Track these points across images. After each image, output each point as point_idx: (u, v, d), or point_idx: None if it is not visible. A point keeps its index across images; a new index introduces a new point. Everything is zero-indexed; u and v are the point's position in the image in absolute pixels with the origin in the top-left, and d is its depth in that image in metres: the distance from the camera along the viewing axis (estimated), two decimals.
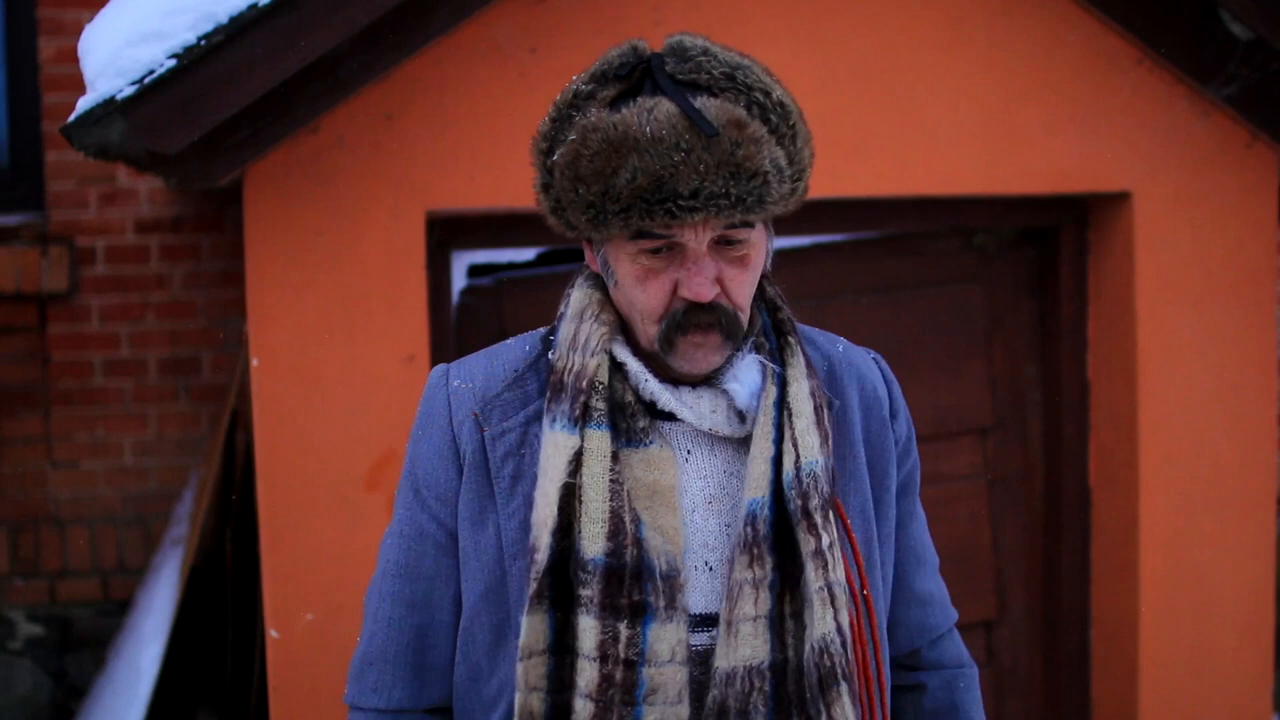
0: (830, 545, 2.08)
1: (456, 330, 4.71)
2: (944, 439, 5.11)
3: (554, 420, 2.08)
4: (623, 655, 2.03)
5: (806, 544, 2.07)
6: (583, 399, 2.07)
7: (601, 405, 2.08)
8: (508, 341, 2.27)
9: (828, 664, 2.06)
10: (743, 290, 2.08)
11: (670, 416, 2.13)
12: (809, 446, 2.10)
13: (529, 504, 2.09)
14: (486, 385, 2.19)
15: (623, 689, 2.03)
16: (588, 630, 2.03)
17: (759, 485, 2.08)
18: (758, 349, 2.16)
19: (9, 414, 5.90)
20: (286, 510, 4.29)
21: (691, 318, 2.05)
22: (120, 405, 5.97)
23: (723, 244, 2.04)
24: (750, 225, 2.03)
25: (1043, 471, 5.26)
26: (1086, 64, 4.76)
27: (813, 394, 2.15)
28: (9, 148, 6.01)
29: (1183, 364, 4.90)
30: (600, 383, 2.09)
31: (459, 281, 4.82)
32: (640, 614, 2.04)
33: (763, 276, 2.19)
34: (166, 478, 5.99)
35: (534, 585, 2.05)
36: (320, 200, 4.26)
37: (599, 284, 2.18)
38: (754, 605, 2.07)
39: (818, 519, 2.08)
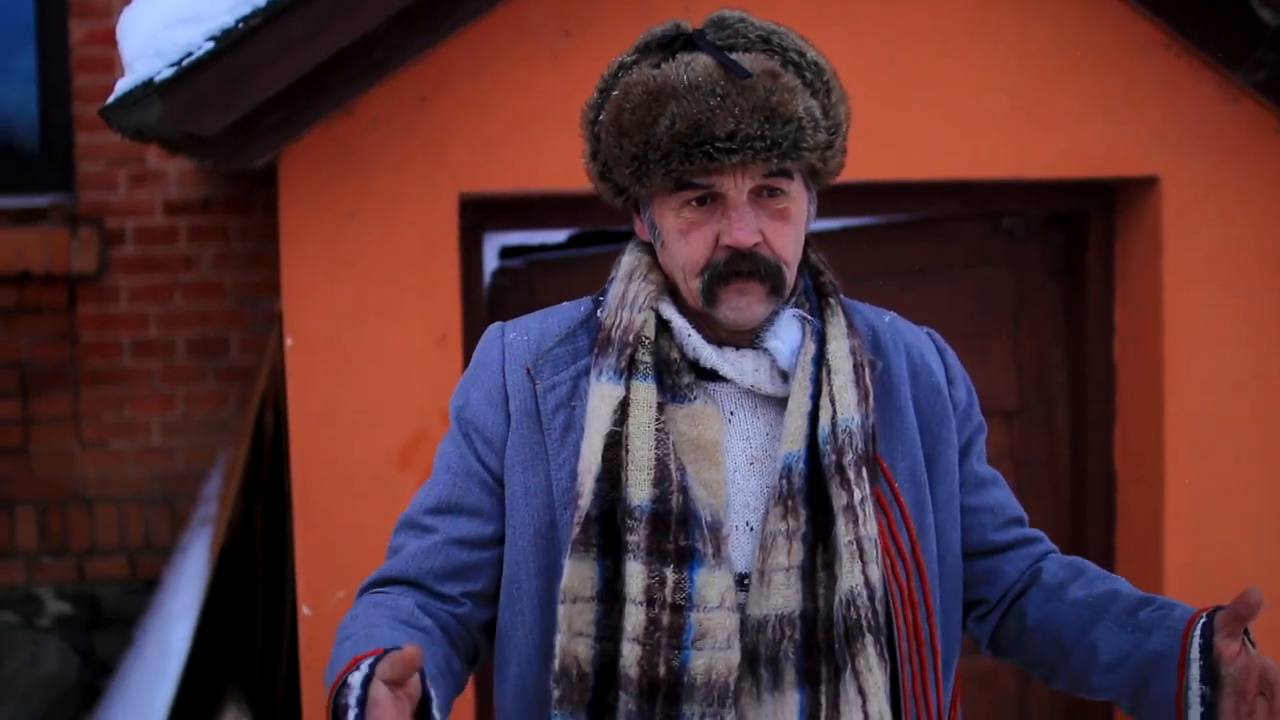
0: (862, 500, 2.11)
1: (488, 311, 4.73)
2: None
3: (600, 373, 2.14)
4: (669, 599, 2.06)
5: (839, 498, 2.11)
6: (629, 352, 2.13)
7: (647, 359, 2.14)
8: (563, 304, 2.32)
9: (854, 616, 2.09)
10: (784, 243, 2.13)
11: (714, 376, 2.18)
12: (845, 403, 2.14)
13: (578, 454, 2.14)
14: (540, 340, 2.24)
15: (669, 632, 2.06)
16: (635, 575, 2.07)
17: (795, 439, 2.13)
18: (798, 309, 2.20)
19: (38, 394, 5.93)
20: (319, 489, 4.32)
21: (733, 265, 2.10)
22: (148, 385, 6.00)
23: (764, 195, 2.10)
24: (788, 175, 2.10)
25: (1068, 456, 5.27)
26: (1115, 49, 4.77)
27: (853, 352, 2.19)
28: (40, 129, 6.03)
29: (1209, 349, 4.90)
30: (647, 338, 2.15)
31: (491, 263, 4.85)
32: (687, 559, 2.08)
33: (806, 243, 2.23)
34: (194, 458, 6.02)
35: (578, 530, 2.09)
36: (354, 182, 4.29)
37: (648, 249, 2.24)
38: (786, 556, 2.11)
39: (851, 474, 2.11)
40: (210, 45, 3.87)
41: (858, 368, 2.18)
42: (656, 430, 2.11)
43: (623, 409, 2.12)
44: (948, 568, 2.28)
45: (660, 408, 2.12)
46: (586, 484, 2.10)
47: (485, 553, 2.22)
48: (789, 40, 2.13)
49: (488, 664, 2.31)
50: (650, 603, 2.07)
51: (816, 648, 2.12)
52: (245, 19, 3.88)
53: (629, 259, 2.26)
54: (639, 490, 2.09)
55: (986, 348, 5.14)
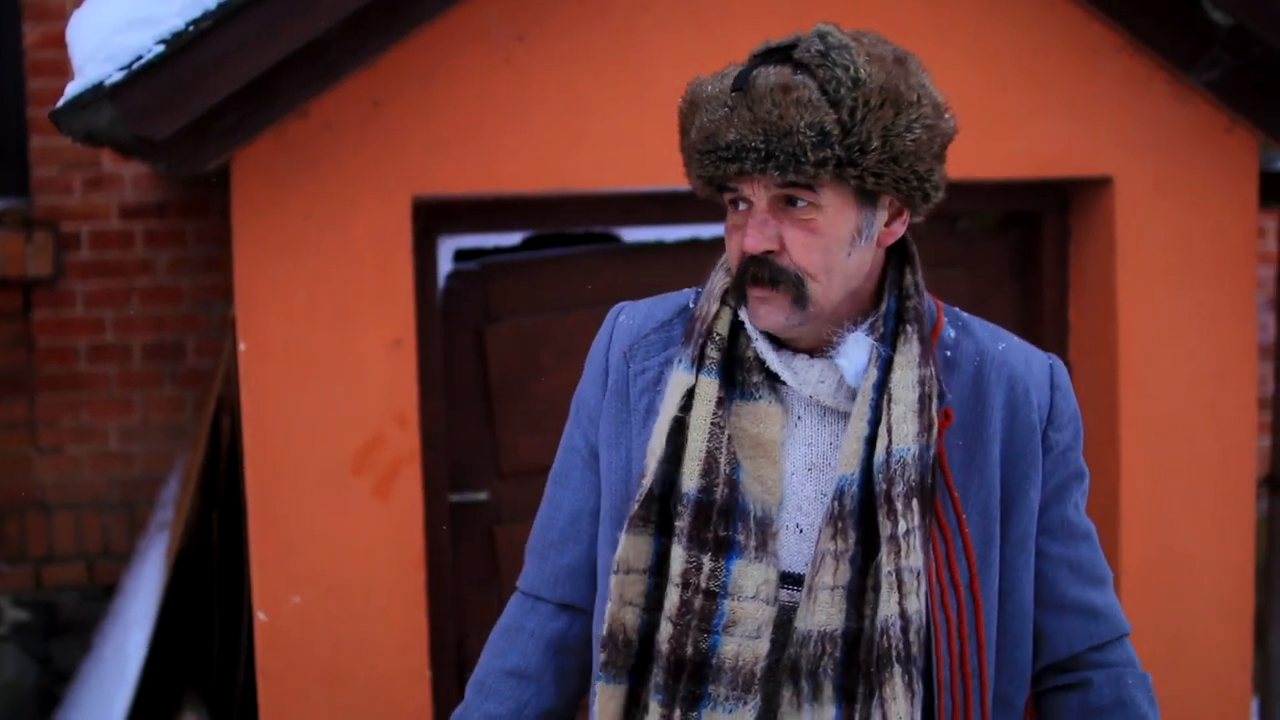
0: (906, 533, 2.12)
1: (443, 314, 4.73)
2: None
3: (679, 360, 2.23)
4: (704, 585, 2.15)
5: (884, 528, 2.13)
6: (701, 342, 2.22)
7: (715, 354, 2.22)
8: (680, 290, 2.40)
9: (885, 645, 2.12)
10: (806, 254, 2.14)
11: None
12: (903, 433, 2.15)
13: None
14: (643, 325, 2.34)
15: (700, 616, 2.14)
16: (676, 558, 2.16)
17: (850, 463, 2.16)
18: (872, 331, 2.21)
19: None
20: (274, 494, 4.31)
21: (748, 268, 2.16)
22: (105, 390, 5.97)
23: (787, 205, 2.13)
24: (807, 187, 2.11)
25: None
26: (1069, 50, 4.78)
27: (921, 381, 2.18)
28: None
29: (1163, 348, 4.93)
30: (719, 333, 2.23)
31: (445, 266, 4.84)
32: (725, 549, 2.15)
33: (906, 262, 2.26)
34: (151, 463, 6.00)
35: (637, 506, 2.19)
36: (307, 186, 4.28)
37: None
38: (833, 576, 2.14)
39: (898, 505, 2.13)
40: (160, 49, 3.85)
41: (924, 398, 2.18)
42: (712, 424, 2.18)
43: (689, 397, 2.20)
44: (1015, 605, 2.26)
45: (723, 402, 2.19)
46: (650, 465, 2.19)
47: (587, 525, 2.35)
48: (844, 56, 2.13)
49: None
50: (685, 585, 2.15)
51: (856, 667, 2.15)
52: (196, 22, 3.87)
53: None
54: (690, 479, 2.17)
55: None
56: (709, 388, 2.20)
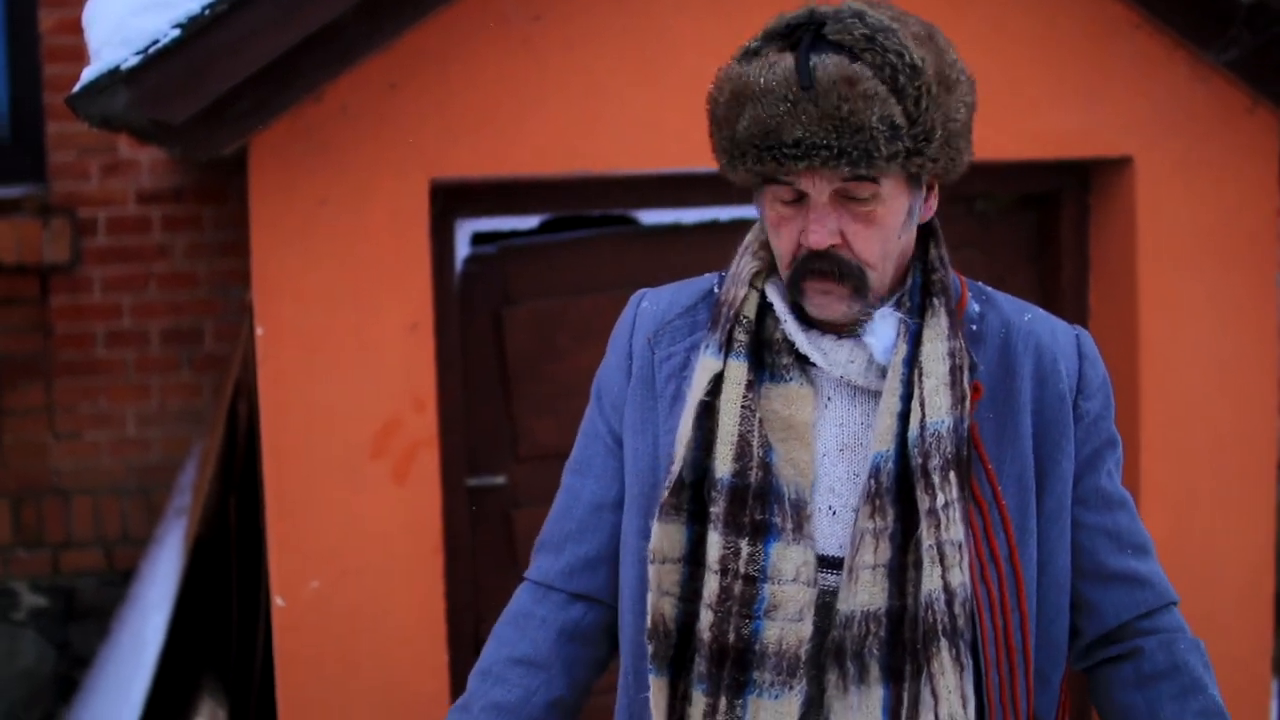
0: (945, 505, 2.11)
1: (460, 298, 4.71)
2: None
3: (706, 346, 2.20)
4: (743, 570, 2.12)
5: (923, 502, 2.11)
6: (728, 327, 2.20)
7: (743, 337, 2.19)
8: (702, 275, 2.37)
9: (930, 620, 2.10)
10: (868, 246, 2.12)
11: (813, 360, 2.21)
12: (936, 406, 2.13)
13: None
14: (667, 310, 2.31)
15: (741, 602, 2.12)
16: (713, 544, 2.14)
17: (884, 439, 2.14)
18: (899, 305, 2.19)
19: (11, 386, 5.90)
20: (291, 478, 4.30)
21: (810, 264, 2.12)
22: (123, 376, 5.97)
23: (848, 198, 2.10)
24: (871, 180, 2.08)
25: None
26: (1088, 30, 4.76)
27: (951, 354, 2.17)
28: (10, 119, 5.99)
29: (1183, 329, 4.90)
30: (745, 317, 2.21)
31: (463, 250, 4.82)
32: (762, 533, 2.13)
33: (930, 236, 2.24)
34: (169, 448, 5.99)
35: (668, 494, 2.16)
36: (324, 169, 4.27)
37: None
38: (873, 554, 2.12)
39: (935, 479, 2.11)
40: (176, 32, 3.84)
41: (955, 370, 2.16)
42: (743, 408, 2.16)
43: (717, 382, 2.18)
44: (1050, 578, 2.25)
45: (752, 385, 2.17)
46: (679, 451, 2.16)
47: (609, 515, 2.32)
48: (894, 40, 2.07)
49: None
50: (724, 572, 2.13)
51: (902, 645, 2.13)
52: (212, 6, 3.86)
53: (751, 234, 2.29)
54: (722, 464, 2.15)
55: None
56: (738, 371, 2.17)
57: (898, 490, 2.13)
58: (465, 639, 4.67)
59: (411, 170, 4.31)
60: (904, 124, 2.05)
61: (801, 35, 2.09)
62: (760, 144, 2.07)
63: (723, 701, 2.14)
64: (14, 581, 5.96)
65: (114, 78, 3.83)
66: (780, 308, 2.19)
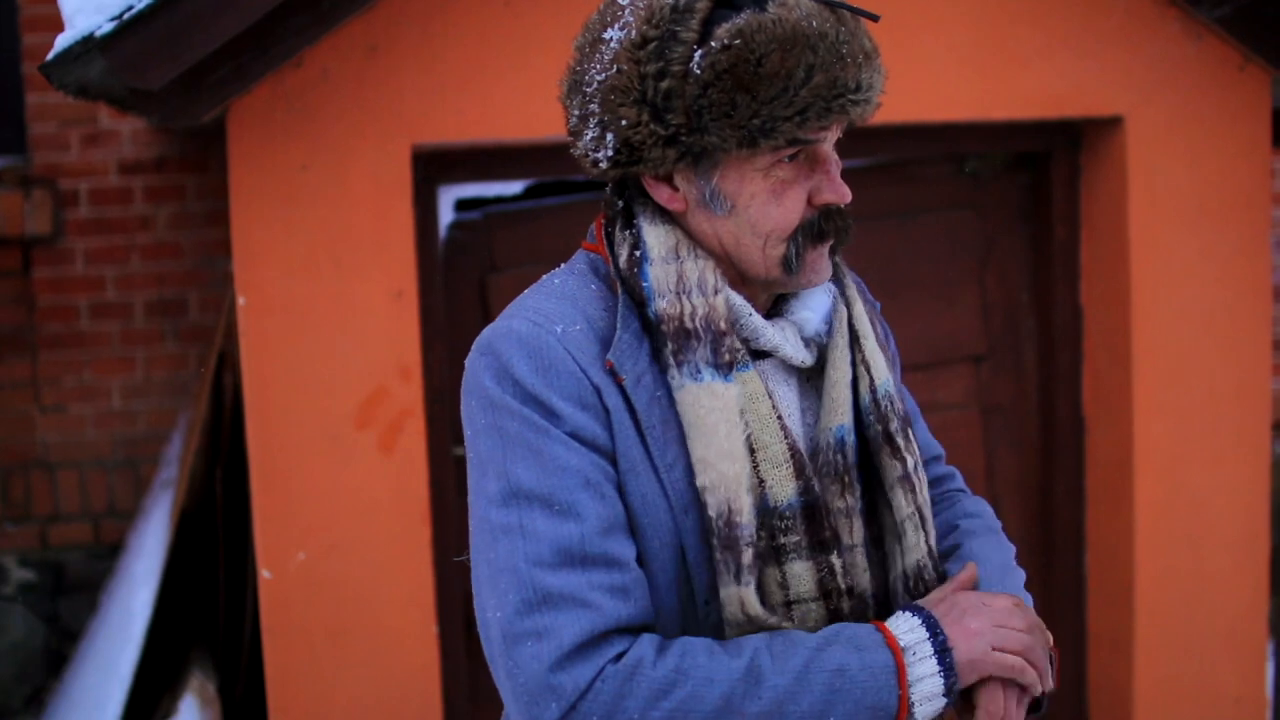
0: (915, 467, 2.05)
1: (445, 265, 4.67)
2: (938, 367, 5.09)
3: (697, 371, 1.92)
4: (842, 586, 1.98)
5: (893, 469, 2.03)
6: (727, 341, 1.94)
7: (739, 345, 1.96)
8: (558, 284, 2.04)
9: (921, 591, 2.03)
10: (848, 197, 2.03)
11: (760, 354, 2.03)
12: (879, 367, 2.06)
13: (685, 454, 1.93)
14: (599, 329, 1.97)
15: (853, 617, 1.99)
16: (803, 575, 1.96)
17: (843, 411, 2.02)
18: None
19: None
20: (276, 450, 4.26)
21: (830, 223, 1.98)
22: (107, 348, 5.94)
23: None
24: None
25: (1037, 399, 5.23)
26: None
27: (867, 313, 2.12)
28: None
29: (1176, 288, 4.87)
30: (735, 323, 1.98)
31: (446, 216, 4.78)
32: (837, 540, 1.99)
33: None
34: (155, 420, 5.97)
35: (749, 552, 1.90)
36: (305, 135, 4.21)
37: (669, 219, 2.02)
38: (850, 535, 2.01)
39: (900, 441, 2.04)
40: None
41: (875, 329, 2.11)
42: (778, 418, 1.97)
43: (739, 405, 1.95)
44: None
45: (770, 394, 1.98)
46: (741, 499, 1.89)
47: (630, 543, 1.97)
48: None
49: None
50: (825, 596, 1.96)
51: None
52: None
53: (657, 234, 1.99)
54: (783, 489, 1.94)
55: (953, 293, 5.09)
56: (756, 383, 1.95)
57: (859, 462, 2.03)
58: (454, 609, 4.64)
59: (394, 135, 4.26)
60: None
61: None
62: (828, 94, 1.88)
63: None
64: (2, 556, 5.93)
65: (89, 44, 3.77)
66: (740, 303, 1.99)
